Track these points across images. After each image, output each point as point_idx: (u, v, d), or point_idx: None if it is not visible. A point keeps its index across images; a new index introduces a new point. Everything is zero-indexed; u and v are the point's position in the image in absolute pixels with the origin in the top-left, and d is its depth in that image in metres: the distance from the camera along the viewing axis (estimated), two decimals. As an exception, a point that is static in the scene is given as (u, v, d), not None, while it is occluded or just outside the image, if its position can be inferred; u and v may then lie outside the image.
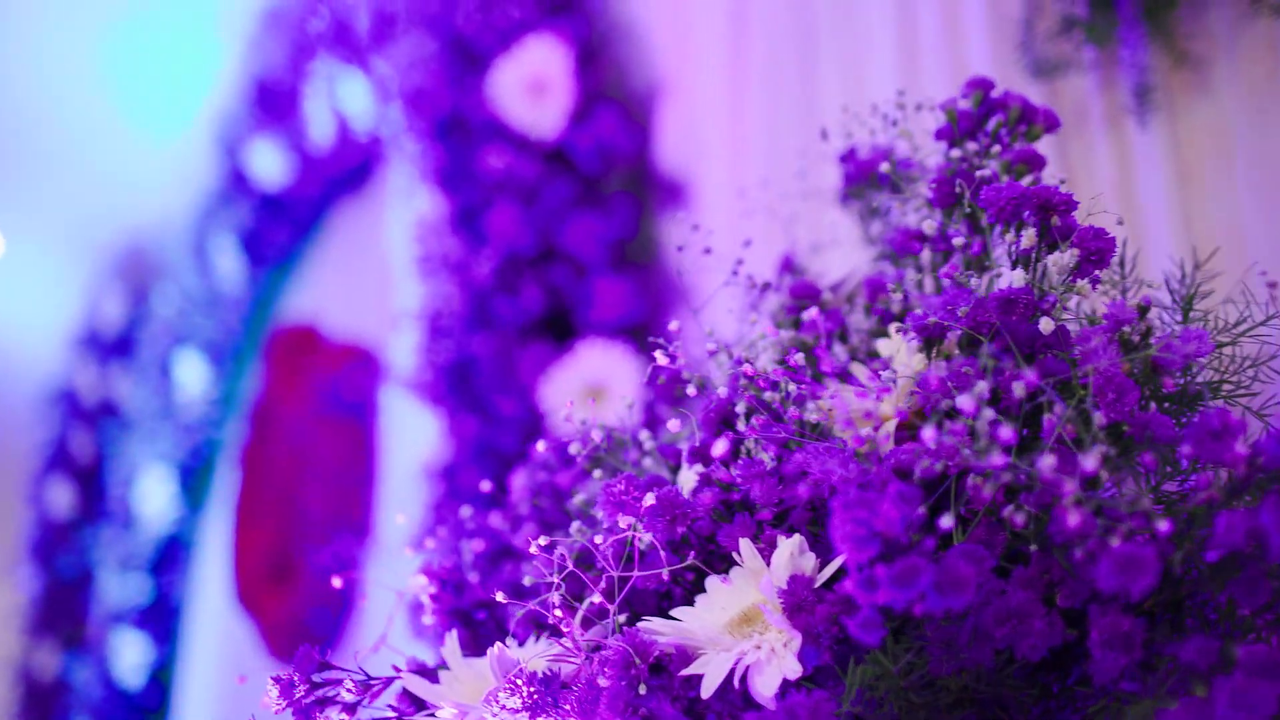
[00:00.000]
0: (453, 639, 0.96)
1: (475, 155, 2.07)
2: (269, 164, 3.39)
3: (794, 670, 0.77)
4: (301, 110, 3.22)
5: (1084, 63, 1.32)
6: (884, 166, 1.03)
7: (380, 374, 2.86)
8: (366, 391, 2.85)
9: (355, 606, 2.79)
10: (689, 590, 0.91)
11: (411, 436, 2.59)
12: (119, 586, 3.98)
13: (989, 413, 0.71)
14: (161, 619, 3.89)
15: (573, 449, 0.99)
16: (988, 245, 0.95)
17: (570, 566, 0.83)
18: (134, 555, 3.95)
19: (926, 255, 1.06)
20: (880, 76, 1.60)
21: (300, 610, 2.85)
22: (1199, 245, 1.14)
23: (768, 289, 1.11)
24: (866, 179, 1.16)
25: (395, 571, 2.44)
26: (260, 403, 3.29)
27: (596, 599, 0.81)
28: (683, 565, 0.83)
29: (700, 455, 0.93)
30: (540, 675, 0.85)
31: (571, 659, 0.87)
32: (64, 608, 4.48)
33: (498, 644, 0.88)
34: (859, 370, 0.96)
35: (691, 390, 0.95)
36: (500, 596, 0.85)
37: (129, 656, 3.93)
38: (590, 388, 1.84)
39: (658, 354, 0.94)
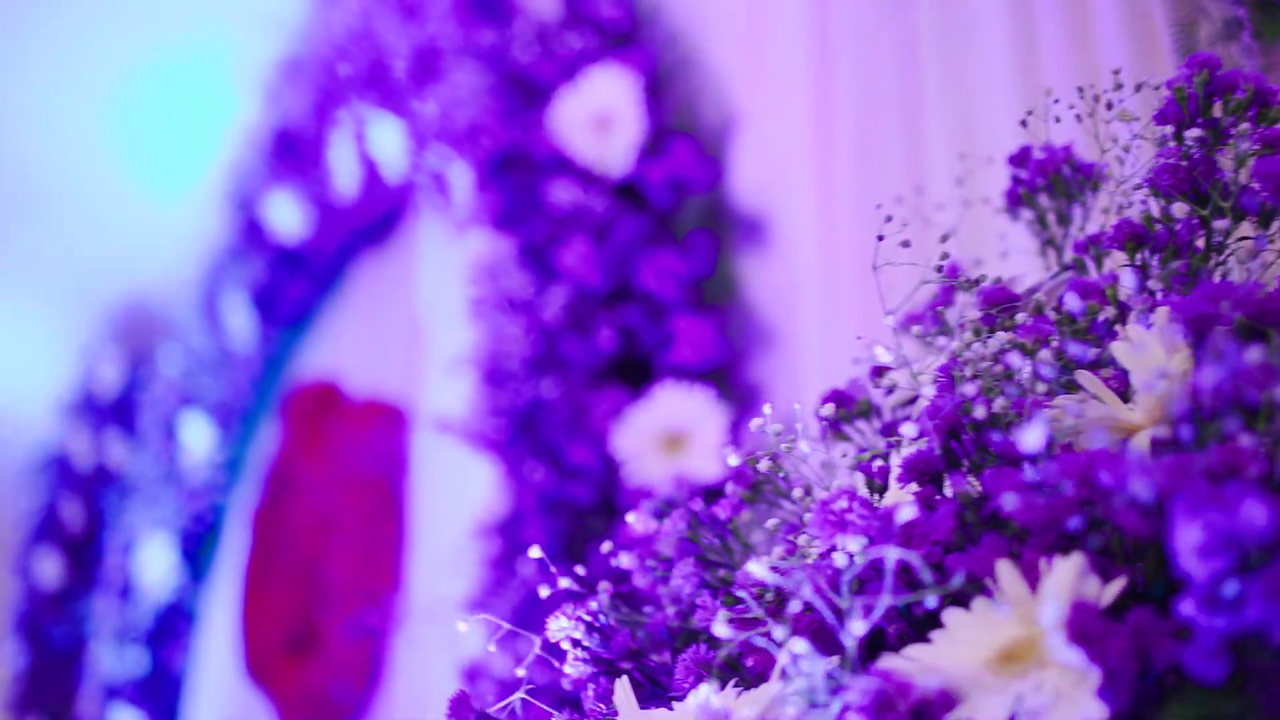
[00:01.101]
0: (624, 686, 0.83)
1: (538, 191, 1.96)
2: (287, 217, 3.27)
3: (1096, 713, 0.64)
4: (324, 160, 3.11)
5: (1249, 68, 1.22)
6: (1125, 150, 0.92)
7: (408, 430, 2.73)
8: (394, 449, 2.71)
9: (383, 678, 2.62)
10: (908, 628, 0.78)
11: (451, 492, 2.46)
12: (114, 659, 3.79)
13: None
14: (160, 692, 3.70)
15: (763, 466, 0.86)
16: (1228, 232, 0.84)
17: (813, 593, 0.70)
18: (131, 626, 3.76)
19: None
20: (995, 93, 1.50)
21: (321, 683, 2.68)
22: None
23: (954, 294, 0.99)
24: (1048, 179, 1.05)
25: (434, 637, 2.29)
26: (277, 464, 3.14)
27: (857, 628, 0.68)
28: (951, 589, 0.70)
29: (919, 469, 0.81)
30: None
31: (790, 705, 0.73)
32: (53, 682, 4.28)
33: (703, 688, 0.75)
34: (1087, 378, 0.84)
35: (925, 392, 0.83)
36: (723, 626, 0.71)
37: (123, 733, 3.74)
38: (669, 435, 1.72)
39: (879, 350, 0.82)
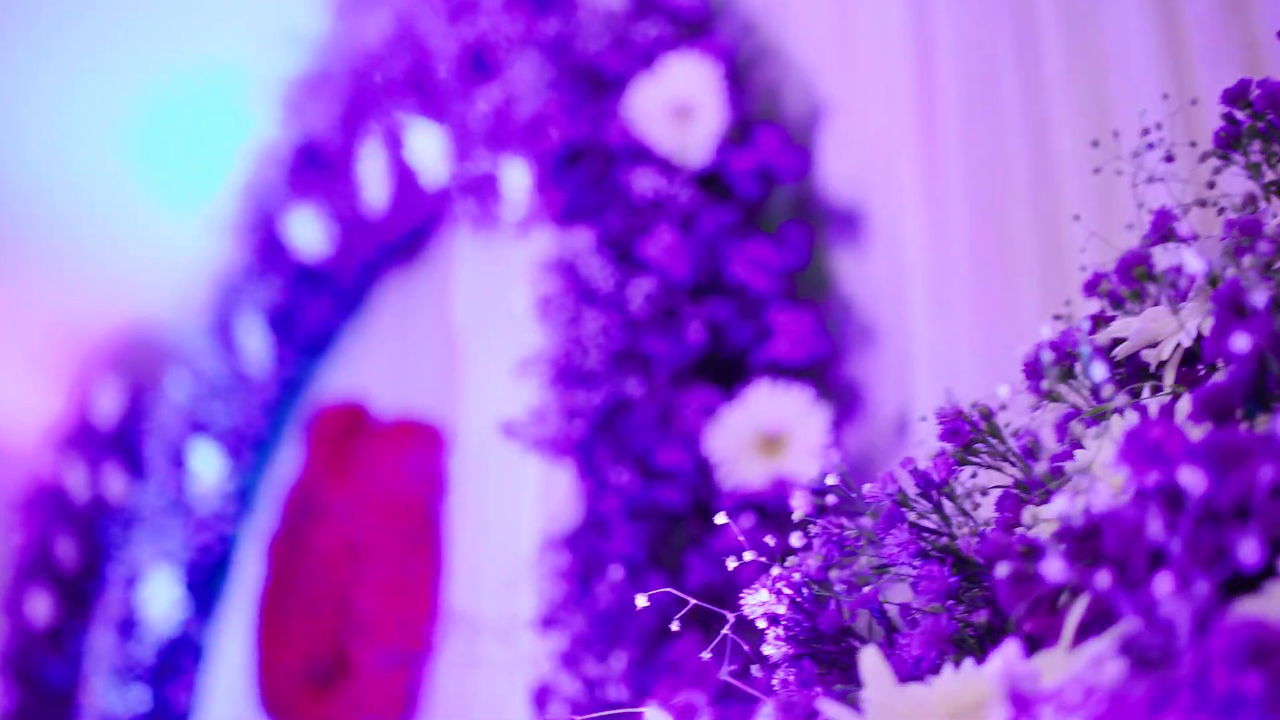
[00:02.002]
0: (875, 656, 0.71)
1: (612, 183, 1.85)
2: (309, 234, 3.15)
3: None
4: (351, 174, 3.00)
5: None
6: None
7: (444, 449, 2.61)
8: (430, 469, 2.58)
9: (418, 710, 2.48)
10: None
11: (498, 509, 2.34)
12: (114, 697, 3.62)
13: None
14: (163, 732, 3.55)
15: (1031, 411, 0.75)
16: None
17: (1162, 528, 0.58)
18: (133, 662, 3.60)
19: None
20: (1133, 57, 1.40)
21: (351, 718, 2.54)
22: None
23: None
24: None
25: (477, 660, 2.16)
26: (299, 489, 3.00)
27: (1247, 552, 0.56)
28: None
29: (1217, 404, 0.70)
30: (1089, 688, 0.60)
31: (1105, 666, 0.62)
32: (45, 723, 4.11)
33: (1010, 646, 0.63)
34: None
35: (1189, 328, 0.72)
36: (1056, 563, 0.60)
37: (123, 775, 3.57)
38: (766, 436, 1.60)
39: (1188, 256, 0.71)
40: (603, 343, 1.70)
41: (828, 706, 0.68)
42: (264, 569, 3.08)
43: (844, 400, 1.64)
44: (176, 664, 3.58)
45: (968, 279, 1.55)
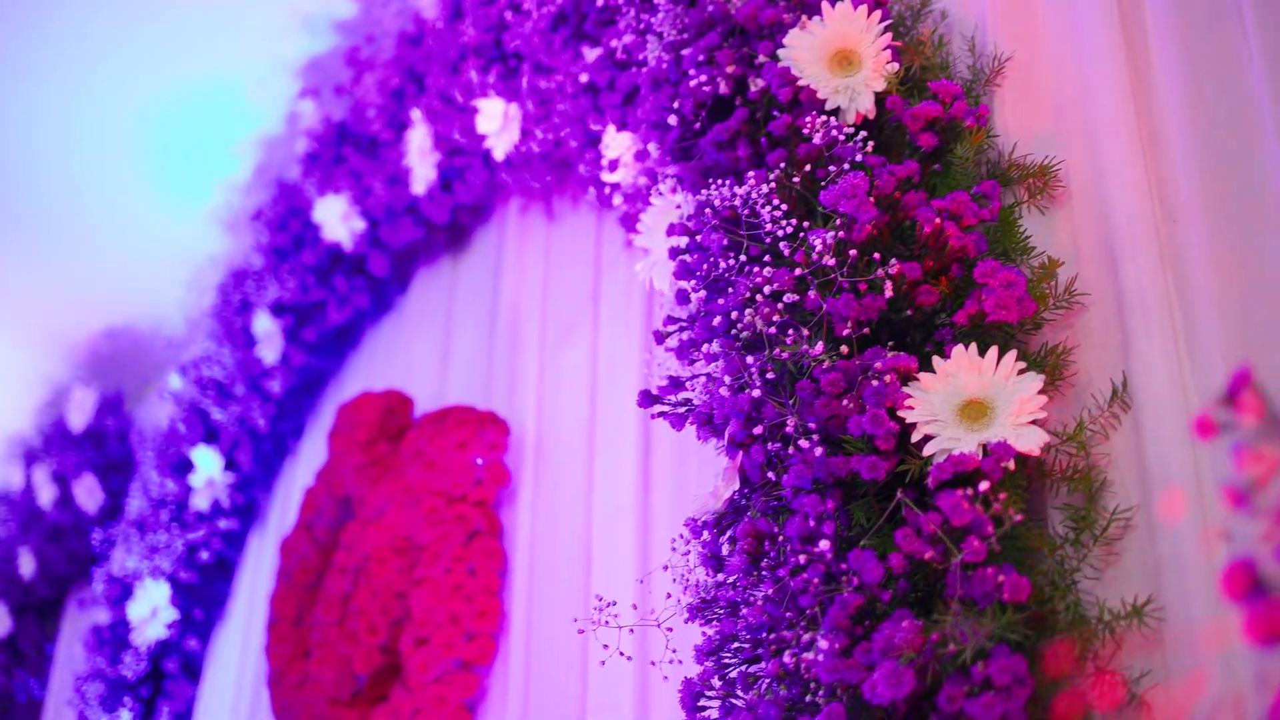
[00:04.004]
0: None
1: (770, 134, 1.71)
2: (339, 222, 2.96)
3: None
4: (392, 154, 2.83)
5: None
6: None
7: (506, 437, 2.43)
8: (490, 459, 2.40)
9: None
10: None
11: (573, 495, 2.19)
12: (95, 711, 3.36)
13: None
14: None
15: None
16: None
17: None
18: (118, 673, 3.34)
19: None
20: None
21: (403, 729, 2.33)
22: None
23: None
24: None
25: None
26: (328, 487, 2.78)
27: None
28: None
29: None
30: None
31: None
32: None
33: None
34: None
35: None
36: None
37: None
38: (968, 400, 1.45)
39: None
40: (768, 308, 1.54)
41: None
42: (283, 573, 2.85)
43: (1045, 363, 1.50)
44: (165, 675, 3.34)
45: (1201, 231, 1.42)
